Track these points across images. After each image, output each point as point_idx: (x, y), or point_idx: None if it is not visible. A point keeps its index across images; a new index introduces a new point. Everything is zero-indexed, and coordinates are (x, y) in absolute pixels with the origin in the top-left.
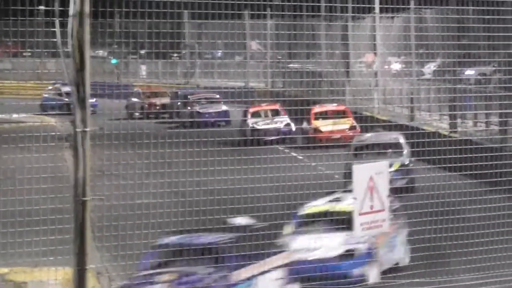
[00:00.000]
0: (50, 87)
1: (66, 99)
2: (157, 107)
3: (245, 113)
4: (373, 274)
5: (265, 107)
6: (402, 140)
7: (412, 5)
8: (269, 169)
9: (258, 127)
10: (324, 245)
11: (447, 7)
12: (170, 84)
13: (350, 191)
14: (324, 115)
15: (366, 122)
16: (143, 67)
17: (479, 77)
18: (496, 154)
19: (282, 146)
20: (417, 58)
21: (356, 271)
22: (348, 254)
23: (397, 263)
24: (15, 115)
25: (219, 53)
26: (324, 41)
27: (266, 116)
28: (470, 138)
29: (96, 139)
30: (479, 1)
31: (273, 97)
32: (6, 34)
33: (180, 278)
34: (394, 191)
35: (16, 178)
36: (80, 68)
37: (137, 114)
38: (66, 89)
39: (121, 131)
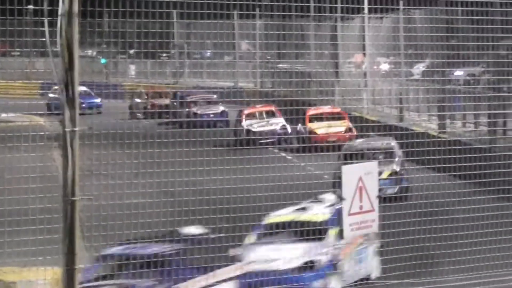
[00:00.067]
0: (56, 87)
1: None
2: (158, 108)
3: (239, 115)
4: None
5: (260, 108)
6: (395, 146)
7: (401, 6)
8: (259, 169)
9: (253, 129)
10: (283, 256)
11: (436, 7)
12: (159, 84)
13: (319, 200)
14: (319, 117)
15: (355, 122)
16: (132, 67)
17: (468, 77)
18: (485, 154)
19: (278, 149)
20: (406, 58)
21: (315, 284)
22: (308, 266)
23: (367, 276)
24: (3, 115)
25: (208, 53)
26: (313, 41)
27: (261, 118)
28: (459, 138)
29: (85, 138)
30: (468, 2)
31: (262, 97)
32: None
33: None
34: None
35: (5, 177)
36: (69, 68)
37: (139, 114)
38: None
39: (110, 131)
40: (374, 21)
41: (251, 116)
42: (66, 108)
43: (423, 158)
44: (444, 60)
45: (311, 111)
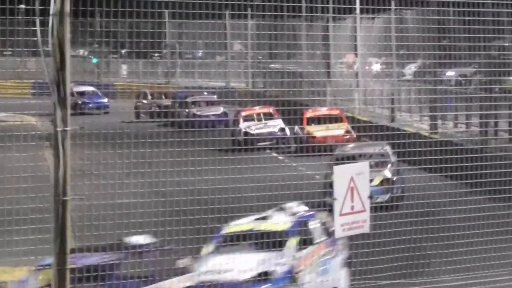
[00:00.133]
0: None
1: (78, 99)
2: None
3: (236, 116)
4: None
5: (258, 110)
6: (389, 152)
7: (392, 6)
8: (250, 169)
9: (251, 132)
10: (238, 266)
11: (427, 8)
12: (151, 83)
13: (283, 209)
14: (317, 120)
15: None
16: (124, 67)
17: (459, 78)
18: (477, 155)
19: (276, 152)
20: (398, 59)
21: None
22: (263, 277)
23: None
24: None
25: (200, 53)
26: (305, 41)
27: (259, 119)
28: (451, 139)
29: (77, 138)
30: (460, 3)
31: (254, 97)
32: None
33: None
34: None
35: None
36: (61, 67)
37: (143, 115)
38: (76, 89)
39: (101, 131)
40: (365, 22)
41: (248, 118)
42: (57, 107)
43: (415, 158)
44: (435, 61)
45: (309, 113)
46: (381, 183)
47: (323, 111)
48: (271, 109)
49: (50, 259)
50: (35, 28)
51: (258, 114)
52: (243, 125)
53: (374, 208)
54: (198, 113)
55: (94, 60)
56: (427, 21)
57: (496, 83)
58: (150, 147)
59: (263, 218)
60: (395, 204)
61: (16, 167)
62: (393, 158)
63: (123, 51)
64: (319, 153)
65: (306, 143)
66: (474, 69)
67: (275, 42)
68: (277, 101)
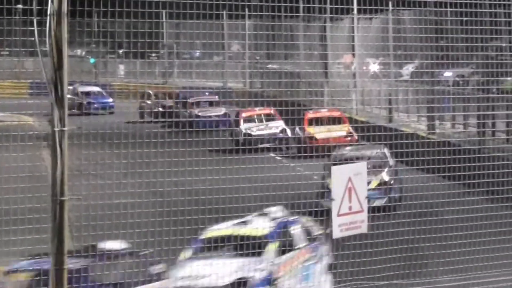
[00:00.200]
0: (71, 87)
1: (83, 99)
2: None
3: (237, 116)
4: None
5: (258, 111)
6: (387, 154)
7: (390, 7)
8: (247, 169)
9: (252, 133)
10: (215, 272)
11: (425, 8)
12: (155, 84)
13: (265, 213)
14: (318, 121)
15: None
16: (121, 67)
17: (457, 78)
18: (474, 155)
19: (274, 153)
20: (395, 59)
21: None
22: (240, 283)
23: None
24: None
25: (197, 53)
26: (303, 41)
27: (260, 121)
28: (448, 139)
29: (74, 138)
30: (457, 3)
31: (252, 97)
32: None
33: None
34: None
35: None
36: (58, 67)
37: (147, 116)
38: (81, 89)
39: (99, 131)
40: (363, 22)
41: (249, 119)
42: (55, 107)
43: (412, 159)
44: (433, 61)
45: (310, 114)
46: (378, 186)
47: (324, 112)
48: (271, 110)
49: (19, 264)
50: (32, 28)
51: (259, 115)
52: (243, 126)
53: (372, 212)
54: (200, 114)
55: (92, 60)
56: (425, 22)
57: (493, 84)
58: (147, 147)
59: (243, 222)
60: (393, 207)
61: (14, 167)
62: (392, 161)
63: (120, 51)
64: (320, 154)
65: (307, 145)
66: (472, 70)
67: (273, 42)
68: (274, 101)
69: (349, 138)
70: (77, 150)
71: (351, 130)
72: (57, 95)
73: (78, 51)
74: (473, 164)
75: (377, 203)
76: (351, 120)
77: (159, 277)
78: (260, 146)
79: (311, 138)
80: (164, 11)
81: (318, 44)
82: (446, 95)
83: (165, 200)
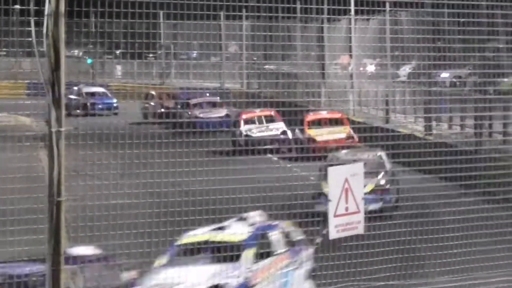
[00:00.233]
0: (76, 88)
1: (86, 100)
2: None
3: (237, 117)
4: None
5: (259, 113)
6: (383, 158)
7: (387, 8)
8: (244, 171)
9: (253, 135)
10: (190, 279)
11: (422, 9)
12: (145, 84)
13: (244, 219)
14: (318, 123)
15: None
16: (119, 67)
17: (454, 80)
18: (471, 156)
19: (276, 156)
20: (393, 60)
21: None
22: None
23: None
24: None
25: (195, 54)
26: (300, 42)
27: (260, 122)
28: (445, 140)
29: (71, 139)
30: (454, 4)
31: (249, 98)
32: None
33: None
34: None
35: None
36: (55, 68)
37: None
38: (86, 90)
39: (96, 131)
40: (360, 23)
41: (249, 120)
42: (52, 108)
43: (409, 160)
44: (430, 62)
45: (310, 116)
46: (373, 190)
47: (325, 114)
48: (272, 112)
49: None
50: (29, 29)
51: (259, 117)
52: (244, 128)
53: (367, 218)
54: (201, 115)
55: (89, 61)
56: (422, 23)
57: (490, 85)
58: (146, 148)
59: (220, 228)
60: (389, 211)
61: (11, 168)
62: (388, 165)
63: (117, 52)
64: (320, 156)
65: (307, 147)
66: (469, 71)
67: (270, 43)
68: (271, 102)
69: (350, 141)
70: (74, 151)
71: (352, 132)
72: (54, 96)
73: (76, 52)
74: (470, 165)
75: (372, 207)
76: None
77: (131, 284)
78: (259, 147)
79: (311, 140)
80: (161, 12)
81: (315, 45)
82: (443, 96)
83: (162, 201)
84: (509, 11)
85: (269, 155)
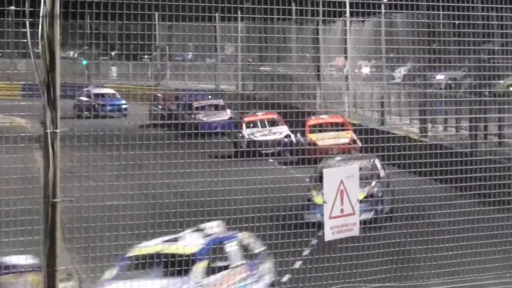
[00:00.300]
0: (85, 89)
1: (94, 101)
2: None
3: (238, 123)
4: None
5: (261, 116)
6: (377, 164)
7: (382, 10)
8: (240, 171)
9: (255, 139)
10: None
11: (417, 11)
12: (140, 86)
13: (201, 229)
14: (320, 128)
15: None
16: (114, 69)
17: (449, 81)
18: (466, 158)
19: (281, 161)
20: (388, 62)
21: None
22: None
23: None
24: None
25: (190, 55)
26: (295, 44)
27: (262, 126)
28: (440, 142)
29: (66, 140)
30: (449, 6)
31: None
32: None
33: None
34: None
35: None
36: (50, 69)
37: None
38: (94, 91)
39: (91, 132)
40: (355, 25)
41: (251, 124)
42: (47, 109)
43: (404, 162)
44: (425, 64)
45: (312, 120)
46: (365, 198)
47: (327, 118)
48: (275, 115)
49: None
50: (25, 30)
51: (262, 120)
52: (246, 132)
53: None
54: (204, 119)
55: (84, 62)
56: (417, 25)
57: (485, 87)
58: (146, 150)
59: (174, 239)
60: (380, 221)
61: (6, 169)
62: (382, 172)
63: (113, 53)
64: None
65: (308, 152)
66: (464, 73)
67: (265, 44)
68: (272, 105)
69: (352, 145)
70: (69, 152)
71: (355, 137)
72: (50, 97)
73: (71, 53)
74: (465, 167)
75: (364, 216)
76: None
77: None
78: (262, 151)
79: (313, 145)
80: (156, 13)
81: (310, 46)
82: (438, 98)
83: (157, 202)
84: (504, 13)
85: (271, 160)
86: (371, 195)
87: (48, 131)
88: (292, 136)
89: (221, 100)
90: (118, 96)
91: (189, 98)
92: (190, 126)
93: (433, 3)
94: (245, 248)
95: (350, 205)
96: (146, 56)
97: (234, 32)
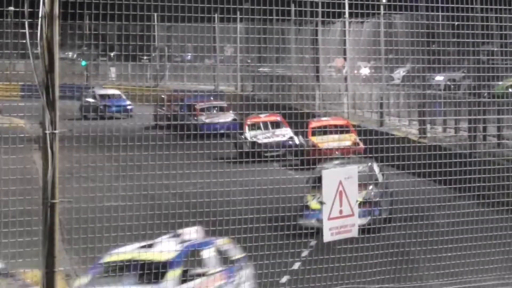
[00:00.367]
0: (92, 90)
1: (98, 102)
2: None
3: (241, 125)
4: None
5: (264, 118)
6: (375, 169)
7: (382, 11)
8: (239, 172)
9: (259, 141)
10: None
11: (416, 12)
12: (139, 87)
13: (177, 235)
14: (323, 130)
15: None
16: (113, 69)
17: (448, 82)
18: (465, 160)
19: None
20: (387, 63)
21: None
22: None
23: None
24: None
25: (189, 56)
26: (294, 45)
27: (265, 128)
28: (439, 143)
29: (65, 141)
30: (449, 7)
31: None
32: None
33: None
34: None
35: None
36: (49, 70)
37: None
38: (99, 92)
39: (90, 133)
40: (355, 26)
41: (254, 126)
42: (46, 110)
43: (403, 163)
44: (424, 65)
45: (314, 123)
46: (361, 204)
47: (329, 121)
48: (278, 117)
49: None
50: (24, 31)
51: (265, 122)
52: (249, 134)
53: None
54: (207, 121)
55: (83, 63)
56: (416, 26)
57: (484, 88)
58: (140, 150)
59: (149, 245)
60: (377, 227)
61: (5, 170)
62: (380, 176)
63: (112, 54)
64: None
65: (311, 155)
66: (463, 74)
67: (264, 45)
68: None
69: (355, 148)
70: (68, 153)
71: (358, 140)
72: (49, 98)
73: (70, 54)
74: (464, 169)
75: (360, 222)
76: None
77: None
78: (266, 154)
79: (315, 148)
80: (155, 14)
81: (309, 47)
82: (437, 99)
83: (155, 203)
84: (503, 14)
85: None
86: (368, 200)
87: (47, 132)
88: (296, 138)
89: (225, 102)
90: (124, 97)
91: (191, 99)
92: (194, 128)
93: (432, 4)
94: (222, 254)
95: (349, 206)
96: (145, 57)
97: (233, 33)
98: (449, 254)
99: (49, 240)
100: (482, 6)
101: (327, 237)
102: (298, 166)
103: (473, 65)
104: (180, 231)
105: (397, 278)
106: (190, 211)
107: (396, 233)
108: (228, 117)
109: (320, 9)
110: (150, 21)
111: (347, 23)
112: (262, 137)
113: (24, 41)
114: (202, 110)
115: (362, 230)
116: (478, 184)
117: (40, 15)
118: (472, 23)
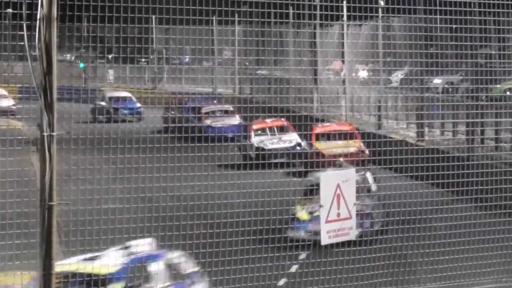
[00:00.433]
0: (101, 92)
1: (108, 105)
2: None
3: (245, 130)
4: None
5: (270, 123)
6: (369, 178)
7: (380, 13)
8: (237, 175)
9: (265, 147)
10: None
11: (414, 15)
12: (137, 89)
13: (126, 247)
14: (327, 136)
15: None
16: (111, 72)
17: (446, 85)
18: (463, 163)
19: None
20: (385, 66)
21: None
22: None
23: None
24: None
25: (187, 59)
26: (292, 48)
27: (272, 133)
28: (437, 146)
29: (63, 143)
30: (447, 10)
31: (241, 103)
32: None
33: None
34: None
35: None
36: (47, 72)
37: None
38: (109, 94)
39: (88, 136)
40: (353, 28)
41: (260, 131)
42: (44, 112)
43: (401, 166)
44: (422, 68)
45: (318, 128)
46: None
47: (334, 126)
48: (284, 122)
49: None
50: (22, 33)
51: (271, 128)
52: (255, 140)
53: (342, 246)
54: (213, 124)
55: (81, 65)
56: (414, 29)
57: (482, 91)
58: (136, 152)
59: (94, 257)
60: (369, 240)
61: (2, 172)
62: (374, 186)
63: (110, 56)
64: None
65: (314, 161)
66: (461, 77)
67: (262, 48)
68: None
69: (360, 155)
70: (66, 155)
71: (363, 146)
72: (46, 100)
73: (68, 56)
74: (462, 172)
75: None
76: None
77: None
78: (274, 161)
79: (319, 154)
80: (153, 17)
81: (307, 50)
82: (435, 102)
83: (153, 205)
84: (501, 18)
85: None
86: (360, 211)
87: (45, 134)
88: (303, 143)
89: (230, 106)
90: (134, 99)
91: (196, 103)
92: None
93: (430, 7)
94: (173, 268)
95: (347, 209)
96: (143, 60)
97: (232, 35)
98: (447, 257)
99: (47, 242)
100: (480, 9)
101: (325, 240)
102: (299, 171)
103: (471, 68)
104: (129, 243)
105: (394, 281)
106: (187, 213)
107: (393, 236)
108: (233, 120)
109: (318, 12)
110: (148, 23)
111: (345, 26)
112: (269, 142)
113: (22, 43)
114: (207, 114)
115: (354, 242)
116: (476, 188)
117: (38, 17)
118: (470, 26)
